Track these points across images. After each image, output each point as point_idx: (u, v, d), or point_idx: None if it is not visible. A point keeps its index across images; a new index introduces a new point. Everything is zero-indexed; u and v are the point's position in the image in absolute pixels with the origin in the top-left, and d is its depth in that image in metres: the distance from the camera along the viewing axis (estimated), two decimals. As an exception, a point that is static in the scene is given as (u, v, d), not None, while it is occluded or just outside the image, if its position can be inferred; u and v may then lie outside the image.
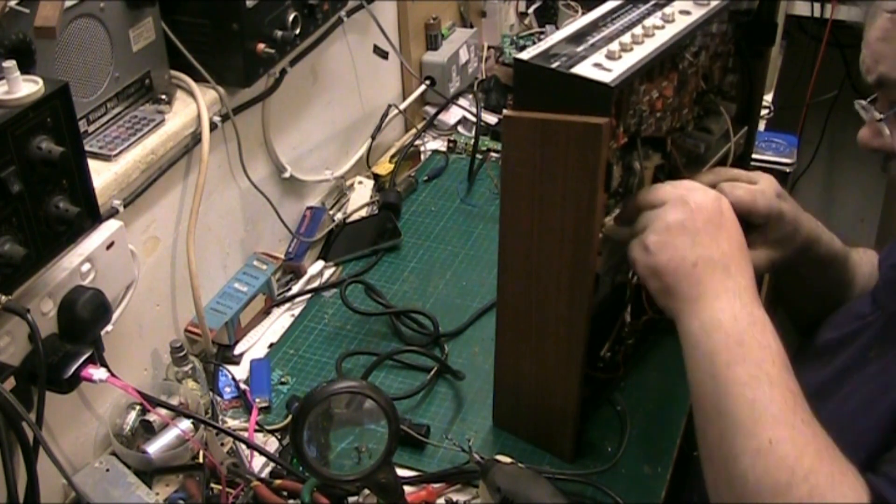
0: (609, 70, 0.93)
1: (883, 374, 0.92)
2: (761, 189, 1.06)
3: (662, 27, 1.02)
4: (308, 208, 1.57)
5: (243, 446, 1.16)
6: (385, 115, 1.74)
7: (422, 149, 1.79)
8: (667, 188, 0.95)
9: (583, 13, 1.98)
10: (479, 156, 1.73)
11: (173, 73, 1.24)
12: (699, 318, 0.87)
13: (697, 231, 0.90)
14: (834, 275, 1.18)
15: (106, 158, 1.11)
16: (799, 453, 0.79)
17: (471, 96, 1.87)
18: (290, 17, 1.30)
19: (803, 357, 1.09)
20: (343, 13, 1.50)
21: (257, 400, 1.24)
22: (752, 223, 1.06)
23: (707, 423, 0.86)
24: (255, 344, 1.37)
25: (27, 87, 0.88)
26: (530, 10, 2.09)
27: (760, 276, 1.14)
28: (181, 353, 1.19)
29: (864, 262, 1.21)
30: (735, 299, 0.87)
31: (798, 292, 1.23)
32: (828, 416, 0.84)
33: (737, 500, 0.81)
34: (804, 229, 1.11)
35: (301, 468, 1.11)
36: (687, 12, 1.06)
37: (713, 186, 1.07)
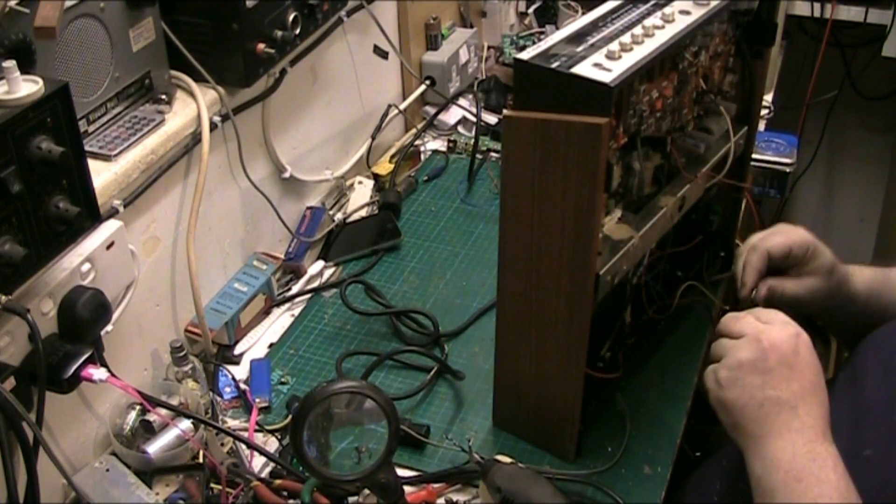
0: (609, 70, 0.93)
1: None
2: (792, 228, 1.13)
3: (662, 27, 1.02)
4: (308, 208, 1.57)
5: (243, 446, 1.16)
6: (385, 115, 1.74)
7: (422, 149, 1.79)
8: (748, 320, 0.94)
9: (583, 13, 1.98)
10: (479, 156, 1.73)
11: (173, 73, 1.24)
12: (760, 457, 0.88)
13: (769, 370, 0.89)
14: (877, 303, 1.18)
15: (106, 158, 1.11)
16: None
17: (471, 96, 1.87)
18: (290, 17, 1.30)
19: None
20: (343, 13, 1.50)
21: (257, 400, 1.24)
22: (793, 260, 1.13)
23: None
24: (255, 344, 1.37)
25: (27, 87, 0.88)
26: (530, 10, 2.09)
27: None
28: (181, 353, 1.19)
29: None
30: (797, 437, 0.87)
31: (843, 323, 1.23)
32: None
33: None
34: (839, 265, 1.14)
35: (301, 468, 1.11)
36: (687, 12, 1.06)
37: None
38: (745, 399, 0.89)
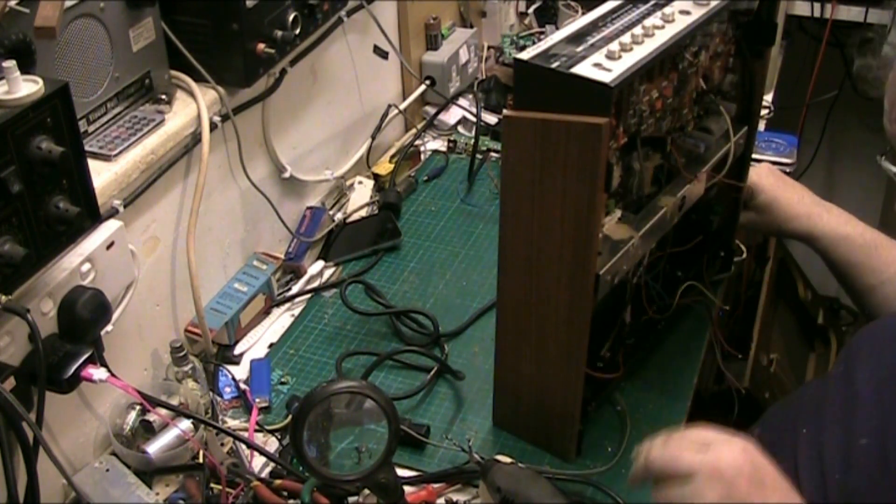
0: (609, 70, 0.93)
1: None
2: (753, 169, 1.31)
3: (662, 27, 1.02)
4: (308, 208, 1.57)
5: (243, 446, 1.16)
6: (385, 115, 1.74)
7: (422, 149, 1.79)
8: (688, 454, 0.86)
9: (583, 13, 1.98)
10: (479, 156, 1.73)
11: (173, 73, 1.24)
12: None
13: (745, 497, 0.83)
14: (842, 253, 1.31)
15: (106, 158, 1.11)
16: None
17: (471, 96, 1.87)
18: (290, 17, 1.30)
19: None
20: (343, 13, 1.50)
21: (257, 400, 1.24)
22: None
23: None
24: (255, 344, 1.37)
25: (27, 87, 0.88)
26: (530, 10, 2.09)
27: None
28: (181, 353, 1.19)
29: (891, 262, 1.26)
30: None
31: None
32: None
33: None
34: (784, 206, 1.32)
35: (301, 468, 1.11)
36: (687, 12, 1.06)
37: None
38: None
